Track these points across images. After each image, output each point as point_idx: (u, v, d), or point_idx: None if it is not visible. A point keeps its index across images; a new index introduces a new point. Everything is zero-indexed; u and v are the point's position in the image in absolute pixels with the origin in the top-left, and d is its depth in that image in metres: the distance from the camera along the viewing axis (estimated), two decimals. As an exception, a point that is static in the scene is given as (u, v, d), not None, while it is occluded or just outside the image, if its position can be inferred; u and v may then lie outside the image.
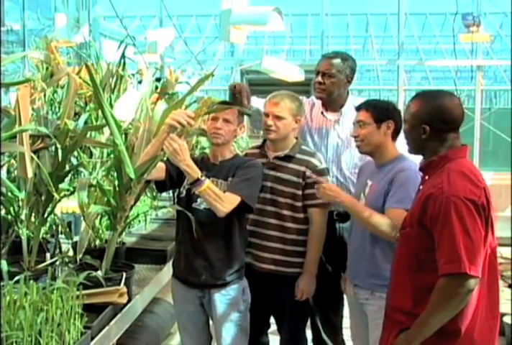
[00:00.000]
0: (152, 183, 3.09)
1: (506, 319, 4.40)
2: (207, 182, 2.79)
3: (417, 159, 2.95)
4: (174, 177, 3.03)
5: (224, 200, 2.82)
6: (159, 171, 2.95)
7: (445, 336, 2.26)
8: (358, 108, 3.05)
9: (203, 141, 4.83)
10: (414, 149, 2.48)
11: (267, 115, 3.20)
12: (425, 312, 2.24)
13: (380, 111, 2.97)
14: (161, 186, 3.11)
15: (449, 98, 2.41)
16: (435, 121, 2.33)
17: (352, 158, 3.44)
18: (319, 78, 3.46)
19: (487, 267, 2.28)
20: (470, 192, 2.19)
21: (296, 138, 3.32)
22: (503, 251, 5.33)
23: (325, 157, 3.41)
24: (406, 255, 2.40)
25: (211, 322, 3.19)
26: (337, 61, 3.44)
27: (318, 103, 3.59)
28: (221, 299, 3.04)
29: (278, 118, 3.17)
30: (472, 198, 2.18)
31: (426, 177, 2.43)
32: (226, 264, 3.01)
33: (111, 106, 3.22)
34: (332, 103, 3.51)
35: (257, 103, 3.40)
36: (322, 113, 3.54)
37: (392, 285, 2.50)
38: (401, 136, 2.84)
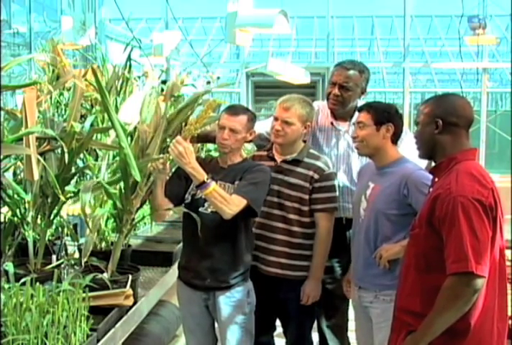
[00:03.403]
0: None
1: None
2: (213, 185, 2.79)
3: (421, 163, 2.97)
4: (182, 194, 3.07)
5: (230, 203, 2.82)
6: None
7: (454, 336, 2.27)
8: (360, 110, 3.05)
9: (209, 144, 4.82)
10: (426, 150, 2.48)
11: (276, 119, 3.18)
12: (431, 312, 2.24)
13: (380, 114, 2.97)
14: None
15: (460, 97, 2.50)
16: (448, 115, 2.37)
17: None
18: (336, 91, 3.35)
19: (497, 268, 2.29)
20: (478, 192, 2.21)
21: (304, 141, 3.31)
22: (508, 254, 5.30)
23: (335, 167, 3.38)
24: (415, 256, 2.41)
25: (216, 324, 3.19)
26: (355, 73, 3.34)
27: (325, 110, 3.50)
28: (225, 301, 3.03)
29: (287, 123, 3.14)
30: (479, 198, 2.19)
31: (436, 179, 2.45)
32: (232, 268, 3.01)
33: (117, 108, 3.22)
34: (344, 113, 3.44)
35: (259, 127, 3.32)
36: (332, 123, 3.48)
37: (400, 286, 2.51)
38: (407, 142, 2.84)
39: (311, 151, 3.27)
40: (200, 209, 3.00)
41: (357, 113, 3.34)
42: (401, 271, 2.54)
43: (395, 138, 2.99)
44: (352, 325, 3.48)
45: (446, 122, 2.37)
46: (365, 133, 2.96)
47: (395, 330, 2.49)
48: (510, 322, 4.36)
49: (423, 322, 2.27)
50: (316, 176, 3.18)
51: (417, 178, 2.82)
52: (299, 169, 3.20)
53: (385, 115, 2.97)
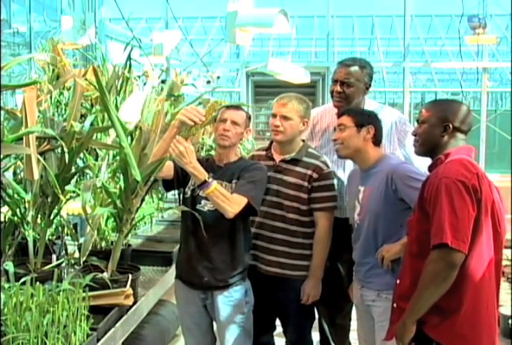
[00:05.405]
0: (160, 181, 3.08)
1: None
2: (214, 184, 2.79)
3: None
4: (180, 177, 3.04)
5: (232, 201, 2.82)
6: (168, 169, 2.96)
7: (448, 316, 2.36)
8: (340, 114, 3.09)
9: (210, 142, 4.83)
10: (427, 148, 2.58)
11: (274, 115, 3.20)
12: (417, 289, 2.35)
13: (361, 116, 3.02)
14: (168, 185, 3.11)
15: (465, 105, 2.62)
16: (456, 120, 2.52)
17: None
18: (338, 88, 3.38)
19: (494, 255, 2.40)
20: (461, 175, 2.33)
21: (303, 140, 3.31)
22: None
23: (341, 166, 3.41)
24: (410, 242, 2.54)
25: (214, 324, 3.19)
26: (355, 69, 3.37)
27: (331, 111, 3.51)
28: (224, 301, 3.03)
29: (285, 118, 3.15)
30: (462, 180, 2.31)
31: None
32: (230, 266, 3.01)
33: (117, 108, 3.22)
34: None
35: None
36: None
37: (400, 275, 2.58)
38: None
39: (310, 150, 3.27)
40: (197, 206, 3.00)
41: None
42: (402, 260, 2.64)
43: (376, 140, 3.02)
44: (353, 324, 3.48)
45: (453, 126, 2.51)
46: (346, 134, 3.00)
47: (394, 321, 2.53)
48: (510, 321, 4.41)
49: (410, 300, 2.38)
50: (315, 175, 3.18)
51: (401, 172, 2.88)
52: (298, 169, 3.20)
53: (366, 118, 3.02)
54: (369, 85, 3.45)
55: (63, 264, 2.99)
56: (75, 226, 3.60)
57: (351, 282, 3.23)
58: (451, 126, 2.50)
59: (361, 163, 3.04)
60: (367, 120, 3.00)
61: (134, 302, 2.82)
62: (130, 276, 2.81)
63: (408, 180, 2.81)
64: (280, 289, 3.27)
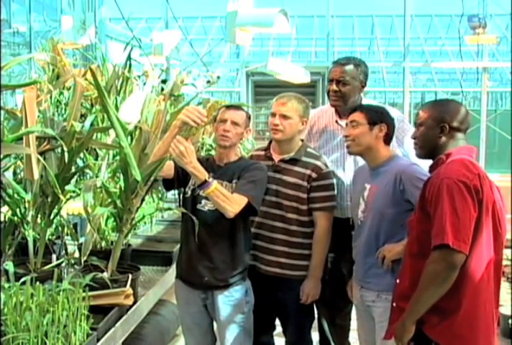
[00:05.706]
0: (160, 181, 3.09)
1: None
2: (214, 184, 2.79)
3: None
4: (181, 177, 3.04)
5: (232, 201, 2.82)
6: (168, 169, 2.97)
7: (446, 316, 2.37)
8: (353, 110, 3.08)
9: (210, 142, 4.82)
10: (427, 150, 2.60)
11: (273, 114, 3.20)
12: (417, 290, 2.36)
13: (374, 114, 3.01)
14: (169, 184, 3.12)
15: (461, 104, 2.64)
16: (453, 120, 2.52)
17: None
18: (334, 86, 3.40)
19: (494, 256, 2.40)
20: (463, 175, 2.33)
21: (302, 140, 3.31)
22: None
23: (341, 165, 3.41)
24: (410, 241, 2.55)
25: (214, 323, 3.19)
26: (350, 68, 3.39)
27: (329, 111, 3.54)
28: (224, 301, 3.03)
29: (285, 117, 3.16)
30: (463, 180, 2.31)
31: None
32: (230, 266, 3.01)
33: (117, 107, 3.22)
34: (347, 110, 3.44)
35: None
36: (336, 121, 3.49)
37: (400, 275, 2.59)
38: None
39: (309, 150, 3.27)
40: (198, 206, 3.01)
41: None
42: (402, 260, 2.65)
43: (387, 139, 3.02)
44: (353, 324, 3.48)
45: (450, 127, 2.51)
46: (358, 131, 2.99)
47: (393, 320, 2.54)
48: (510, 321, 4.41)
49: (410, 300, 2.39)
50: (314, 175, 3.18)
51: (411, 173, 2.87)
52: (297, 168, 3.20)
53: (379, 115, 3.01)
54: (365, 84, 3.47)
55: (63, 264, 2.99)
56: (75, 226, 3.60)
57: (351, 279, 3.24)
58: (447, 126, 2.51)
59: (370, 161, 3.03)
60: (379, 118, 2.99)
61: (134, 302, 2.82)
62: (130, 276, 2.81)
63: (416, 181, 2.79)
64: (280, 289, 3.27)
